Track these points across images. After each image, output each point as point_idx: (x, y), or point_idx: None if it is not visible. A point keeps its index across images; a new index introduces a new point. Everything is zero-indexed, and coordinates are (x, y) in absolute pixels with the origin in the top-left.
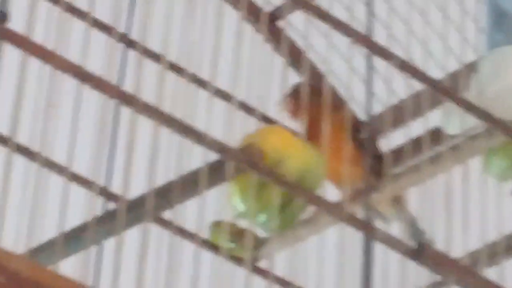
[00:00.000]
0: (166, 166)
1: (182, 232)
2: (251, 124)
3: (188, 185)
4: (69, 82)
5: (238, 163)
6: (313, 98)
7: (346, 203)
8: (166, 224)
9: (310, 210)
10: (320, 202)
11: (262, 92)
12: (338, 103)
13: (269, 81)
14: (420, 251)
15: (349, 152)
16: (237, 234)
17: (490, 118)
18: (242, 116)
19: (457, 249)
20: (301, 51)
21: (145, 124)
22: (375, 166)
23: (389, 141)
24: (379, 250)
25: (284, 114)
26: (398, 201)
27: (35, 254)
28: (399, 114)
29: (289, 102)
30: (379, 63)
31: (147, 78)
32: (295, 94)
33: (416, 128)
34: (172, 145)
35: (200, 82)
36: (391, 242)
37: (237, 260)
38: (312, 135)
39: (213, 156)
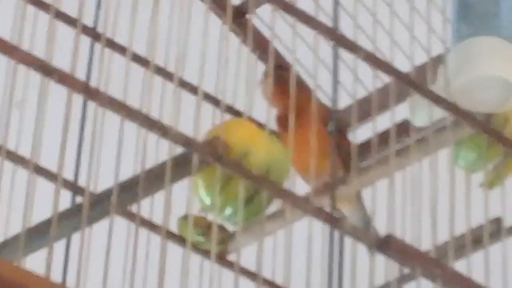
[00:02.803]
0: (132, 160)
1: (149, 225)
2: (218, 116)
3: (154, 178)
4: (34, 76)
5: (203, 156)
6: (289, 90)
7: (314, 196)
8: (133, 217)
9: (277, 203)
10: (286, 195)
11: (229, 84)
12: (309, 96)
13: (236, 73)
14: (386, 243)
15: (318, 144)
16: (206, 227)
17: (457, 110)
18: (209, 108)
19: (426, 242)
20: (268, 43)
21: (113, 117)
22: (344, 159)
23: (356, 135)
24: (348, 243)
25: (264, 96)
26: (355, 199)
27: (0, 250)
28: (366, 108)
29: (270, 85)
30: (346, 53)
31: (114, 71)
32: (278, 78)
33: (383, 121)
34: (138, 139)
35: (167, 75)
36: (358, 235)
37: (205, 253)
38: (283, 126)
39: (179, 150)
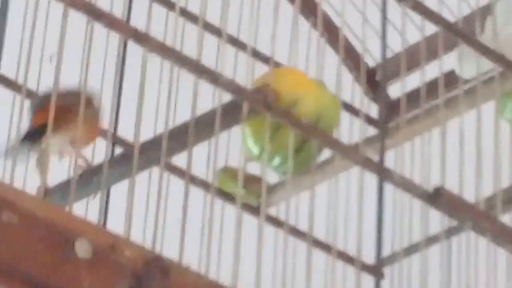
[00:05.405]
0: (180, 108)
1: (192, 178)
2: (260, 72)
3: (202, 127)
4: (80, 20)
5: (253, 104)
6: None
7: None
8: (176, 170)
9: (326, 153)
10: (335, 145)
11: (272, 39)
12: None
13: (279, 29)
14: (437, 196)
15: None
16: (246, 180)
17: (505, 61)
18: (252, 61)
19: (471, 194)
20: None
21: (155, 65)
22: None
23: (404, 84)
24: (391, 196)
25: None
26: None
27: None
28: (414, 57)
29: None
30: (393, 11)
31: (154, 22)
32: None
33: (431, 71)
34: (186, 86)
35: (210, 27)
36: (407, 186)
37: (247, 207)
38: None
39: (227, 98)
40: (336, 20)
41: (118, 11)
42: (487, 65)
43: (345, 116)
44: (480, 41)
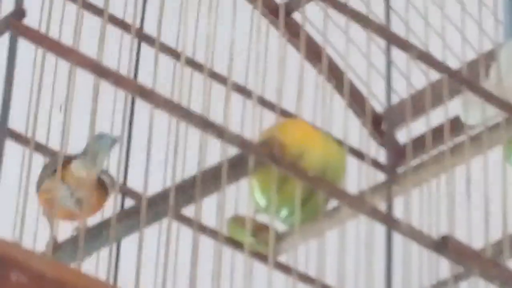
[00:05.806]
0: (185, 162)
1: (202, 228)
2: (267, 118)
3: (209, 180)
4: (85, 78)
5: (260, 157)
6: None
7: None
8: (186, 220)
9: (333, 203)
10: (342, 195)
11: (278, 86)
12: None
13: (285, 75)
14: (444, 244)
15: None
16: (255, 228)
17: (510, 108)
18: (259, 110)
19: (478, 240)
20: (318, 45)
21: (161, 120)
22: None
23: (409, 130)
24: (400, 241)
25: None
26: None
27: (57, 250)
28: (419, 102)
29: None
30: (398, 57)
31: (160, 73)
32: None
33: (437, 116)
34: (191, 141)
35: (217, 77)
36: (414, 235)
37: (257, 255)
38: None
39: (233, 151)
40: (342, 66)
41: (127, 56)
42: (492, 111)
43: (353, 161)
44: (484, 88)
